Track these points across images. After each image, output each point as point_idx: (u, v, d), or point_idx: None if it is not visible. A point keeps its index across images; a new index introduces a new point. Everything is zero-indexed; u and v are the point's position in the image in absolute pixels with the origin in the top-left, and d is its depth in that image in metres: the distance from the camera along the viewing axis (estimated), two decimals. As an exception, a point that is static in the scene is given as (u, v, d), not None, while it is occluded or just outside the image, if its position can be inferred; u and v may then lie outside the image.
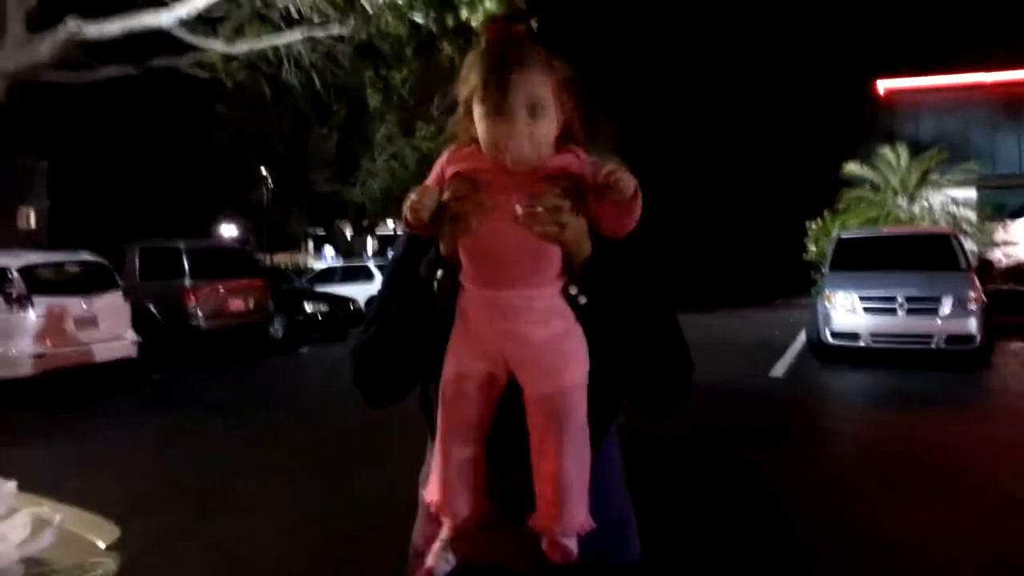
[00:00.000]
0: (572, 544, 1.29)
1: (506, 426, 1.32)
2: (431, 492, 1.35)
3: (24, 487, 1.60)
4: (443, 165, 1.33)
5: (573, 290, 1.30)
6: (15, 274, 9.53)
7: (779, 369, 10.96)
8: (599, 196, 1.27)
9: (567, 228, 1.26)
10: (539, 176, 1.27)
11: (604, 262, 1.31)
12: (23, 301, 9.46)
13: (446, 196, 1.28)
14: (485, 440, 1.33)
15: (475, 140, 1.32)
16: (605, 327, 1.32)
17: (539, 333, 1.29)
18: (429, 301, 1.33)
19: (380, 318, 1.41)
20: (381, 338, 1.40)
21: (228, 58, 14.14)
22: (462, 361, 1.31)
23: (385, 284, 1.46)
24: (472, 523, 1.34)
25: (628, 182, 1.25)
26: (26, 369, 9.26)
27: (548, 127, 1.27)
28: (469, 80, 1.28)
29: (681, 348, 1.40)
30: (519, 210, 1.24)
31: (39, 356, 9.37)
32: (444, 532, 1.35)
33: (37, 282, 9.79)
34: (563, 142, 1.31)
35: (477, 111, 1.28)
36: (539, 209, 1.24)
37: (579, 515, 1.30)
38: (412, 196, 1.30)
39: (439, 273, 1.32)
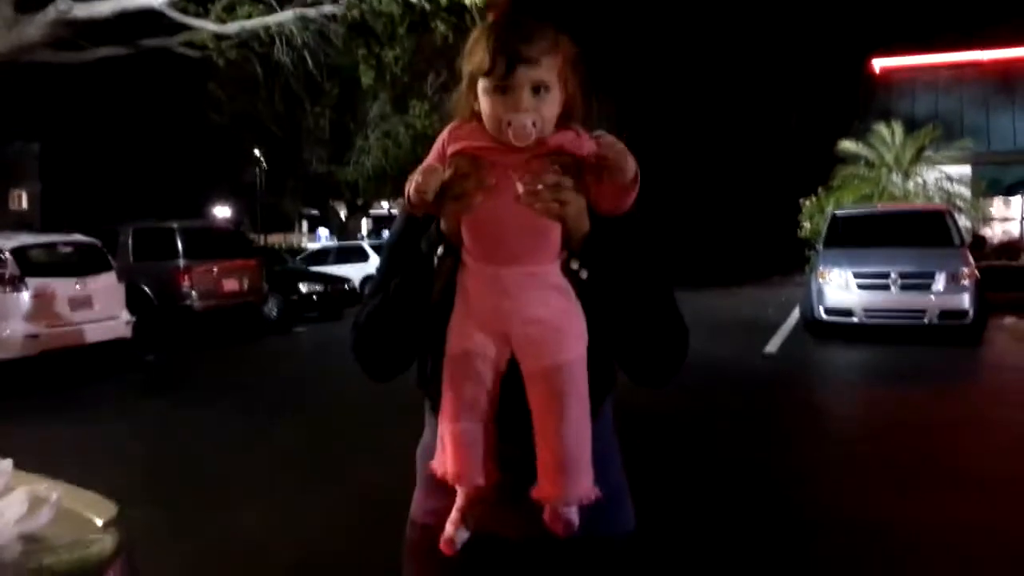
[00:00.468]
0: (574, 515, 1.31)
1: (506, 400, 1.34)
2: (443, 464, 1.36)
3: (18, 468, 1.60)
4: (444, 141, 1.34)
5: (575, 265, 1.32)
6: (8, 255, 9.50)
7: (773, 346, 11.01)
8: (598, 175, 1.28)
9: (567, 205, 1.27)
10: (540, 153, 1.28)
11: (603, 237, 1.32)
12: (16, 282, 9.43)
13: (448, 173, 1.28)
14: (495, 414, 1.34)
15: (477, 116, 1.32)
16: (605, 301, 1.34)
17: (540, 310, 1.30)
18: (429, 277, 1.34)
19: (380, 293, 1.42)
20: (381, 313, 1.42)
21: (219, 37, 14.04)
22: (465, 337, 1.32)
23: (384, 259, 1.47)
24: (488, 491, 1.35)
25: (630, 164, 1.27)
26: (20, 350, 9.24)
27: (551, 106, 1.28)
28: (475, 55, 1.29)
29: (677, 319, 1.43)
30: (520, 187, 1.26)
31: (33, 337, 9.35)
32: (460, 501, 1.37)
33: (30, 263, 9.76)
34: (564, 120, 1.32)
35: (482, 87, 1.29)
36: (540, 187, 1.26)
37: (583, 485, 1.32)
38: (416, 176, 1.30)
39: (440, 250, 1.33)
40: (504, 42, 1.25)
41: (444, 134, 1.35)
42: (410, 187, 1.31)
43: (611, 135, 1.28)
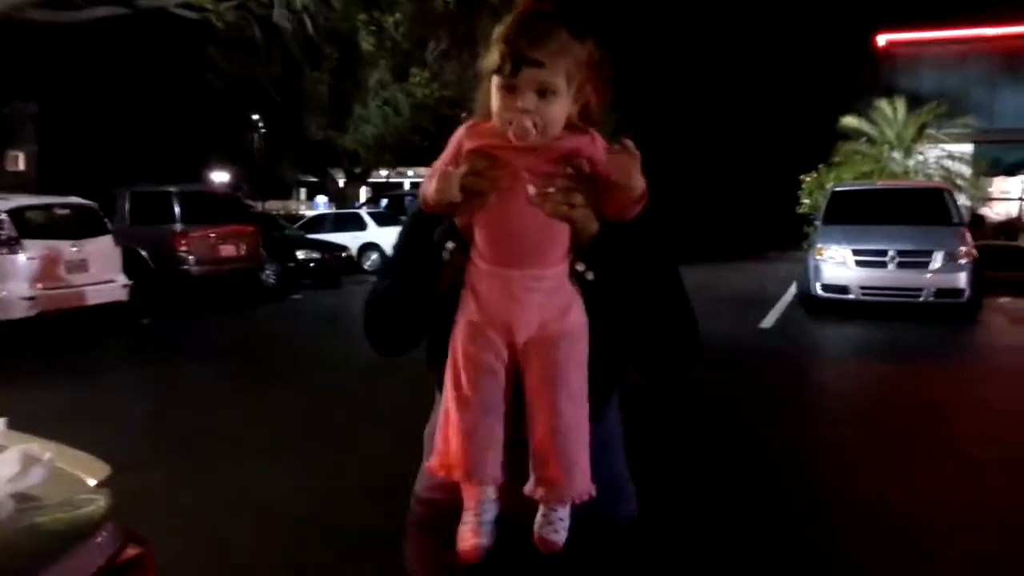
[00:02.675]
0: (563, 530, 1.32)
1: (516, 390, 1.36)
2: (446, 463, 1.35)
3: (13, 429, 1.61)
4: (461, 139, 1.35)
5: (580, 266, 1.34)
6: (4, 217, 9.47)
7: (769, 321, 11.04)
8: (607, 189, 1.29)
9: (577, 208, 1.29)
10: (553, 156, 1.29)
11: (610, 239, 1.33)
12: (13, 244, 9.41)
13: (464, 170, 1.30)
14: (507, 410, 1.35)
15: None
16: (613, 301, 1.35)
17: (545, 314, 1.32)
18: (438, 268, 1.37)
19: (393, 274, 1.45)
20: (391, 296, 1.44)
21: (218, -1, 13.89)
22: (473, 335, 1.34)
23: (399, 243, 1.48)
24: (501, 486, 1.34)
25: (636, 183, 1.28)
26: (17, 311, 9.25)
27: (557, 108, 1.28)
28: (490, 52, 1.31)
29: (688, 317, 1.42)
30: (532, 189, 1.27)
31: (30, 299, 9.35)
32: (474, 501, 1.34)
33: (27, 225, 9.73)
34: (581, 122, 1.33)
35: (493, 84, 1.30)
36: (551, 189, 1.27)
37: (580, 478, 1.33)
38: (434, 180, 1.32)
39: (451, 244, 1.35)
40: (513, 43, 1.26)
41: (461, 131, 1.36)
42: (429, 189, 1.33)
43: (627, 147, 1.27)
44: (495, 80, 1.29)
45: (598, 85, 1.34)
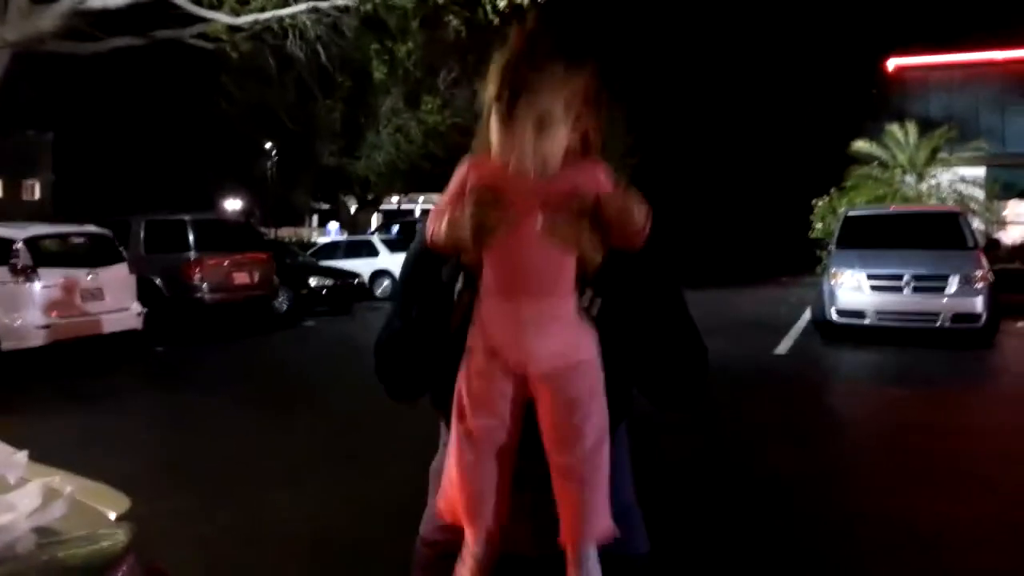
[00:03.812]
0: (595, 571, 1.29)
1: (525, 421, 1.34)
2: (450, 505, 1.34)
3: (32, 460, 1.60)
4: (464, 174, 1.33)
5: (588, 295, 1.33)
6: (21, 245, 9.54)
7: (783, 347, 10.95)
8: (610, 218, 1.28)
9: (584, 237, 1.28)
10: (556, 185, 1.28)
11: (616, 266, 1.32)
12: (29, 272, 9.47)
13: (470, 206, 1.28)
14: (513, 450, 1.33)
15: None
16: (620, 330, 1.35)
17: (557, 344, 1.30)
18: (448, 307, 1.36)
19: (402, 317, 1.43)
20: (401, 339, 1.43)
21: (233, 29, 14.05)
22: (481, 370, 1.32)
23: (402, 282, 1.46)
24: (498, 533, 1.32)
25: (637, 216, 1.27)
26: (33, 340, 9.29)
27: (555, 139, 1.27)
28: (488, 83, 1.30)
29: (696, 342, 1.42)
30: (539, 221, 1.26)
31: (46, 327, 9.39)
32: (472, 546, 1.33)
33: (43, 254, 9.80)
34: (582, 152, 1.32)
35: (492, 114, 1.30)
36: (557, 219, 1.26)
37: (602, 520, 1.31)
38: (445, 223, 1.29)
39: (459, 282, 1.34)
40: (512, 71, 1.26)
41: (464, 167, 1.34)
42: (439, 230, 1.30)
43: (621, 188, 1.28)
44: (494, 111, 1.29)
45: (597, 114, 1.32)
